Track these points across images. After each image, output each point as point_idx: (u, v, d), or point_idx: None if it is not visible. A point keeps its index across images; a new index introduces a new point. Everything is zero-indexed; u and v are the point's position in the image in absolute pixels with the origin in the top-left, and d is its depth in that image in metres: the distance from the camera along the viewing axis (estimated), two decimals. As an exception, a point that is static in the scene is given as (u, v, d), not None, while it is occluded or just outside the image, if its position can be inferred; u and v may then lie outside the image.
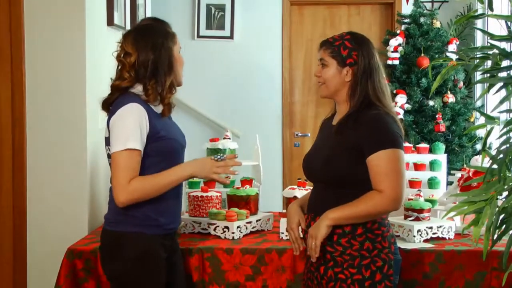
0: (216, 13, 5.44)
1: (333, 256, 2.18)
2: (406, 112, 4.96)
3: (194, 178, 3.53)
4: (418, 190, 3.02)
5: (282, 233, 2.79)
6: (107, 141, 2.31)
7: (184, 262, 2.55)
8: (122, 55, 2.32)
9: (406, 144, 3.66)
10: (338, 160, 2.17)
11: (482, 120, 4.98)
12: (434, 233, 2.77)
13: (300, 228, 2.29)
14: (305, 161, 2.35)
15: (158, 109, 2.32)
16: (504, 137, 1.54)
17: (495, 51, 1.59)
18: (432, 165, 4.08)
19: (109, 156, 2.32)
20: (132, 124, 2.21)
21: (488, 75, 1.61)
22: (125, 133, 2.20)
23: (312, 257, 2.17)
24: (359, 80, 2.21)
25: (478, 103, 5.12)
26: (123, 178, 2.19)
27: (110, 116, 2.28)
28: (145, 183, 2.22)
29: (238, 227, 2.80)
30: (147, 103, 2.27)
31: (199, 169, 2.33)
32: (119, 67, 2.34)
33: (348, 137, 2.18)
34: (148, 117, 2.25)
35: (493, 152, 1.57)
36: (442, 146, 3.97)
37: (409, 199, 2.85)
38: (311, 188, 2.50)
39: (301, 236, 2.30)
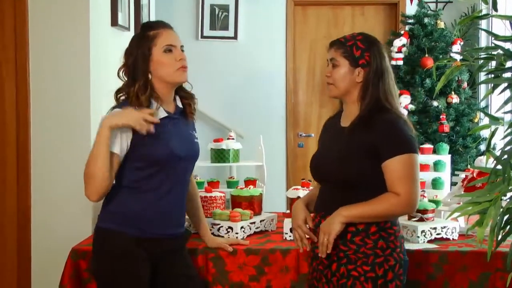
0: (220, 13, 5.44)
1: (346, 254, 2.16)
2: (410, 112, 4.96)
3: (198, 178, 3.57)
4: (422, 191, 3.02)
5: (286, 233, 2.79)
6: None
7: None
8: None
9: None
10: (350, 161, 2.15)
11: (486, 120, 4.97)
12: (438, 234, 2.76)
13: (307, 226, 2.27)
14: (313, 162, 2.33)
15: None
16: (509, 137, 1.53)
17: (500, 51, 1.58)
18: (436, 165, 4.08)
19: None
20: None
21: (493, 75, 1.61)
22: None
23: (322, 253, 2.14)
24: (371, 82, 2.19)
25: (482, 104, 5.11)
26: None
27: None
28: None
29: (242, 227, 2.80)
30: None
31: (118, 116, 2.20)
32: None
33: (361, 139, 2.15)
34: None
35: (498, 153, 1.57)
36: (446, 147, 3.97)
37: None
38: (313, 187, 2.49)
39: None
